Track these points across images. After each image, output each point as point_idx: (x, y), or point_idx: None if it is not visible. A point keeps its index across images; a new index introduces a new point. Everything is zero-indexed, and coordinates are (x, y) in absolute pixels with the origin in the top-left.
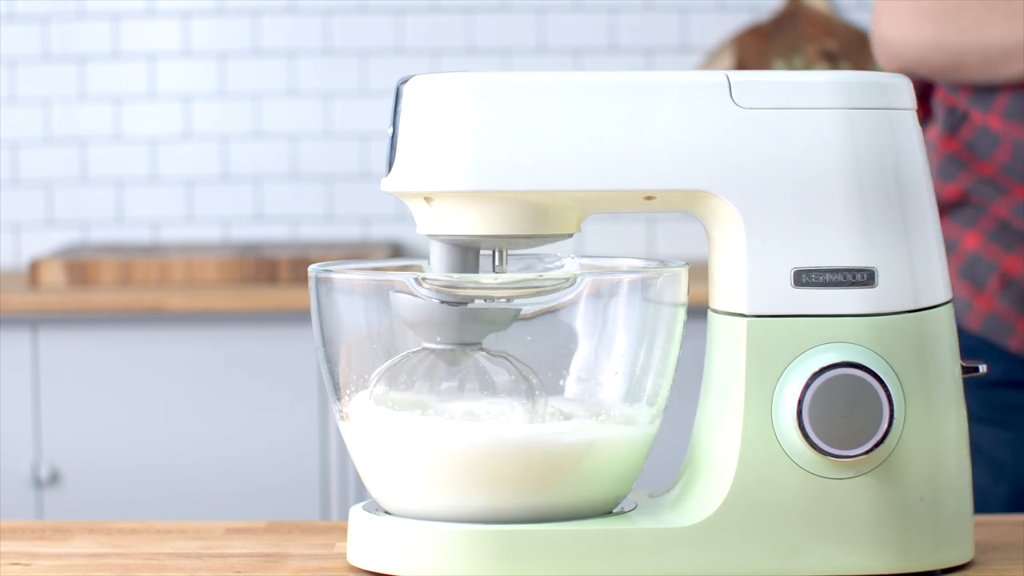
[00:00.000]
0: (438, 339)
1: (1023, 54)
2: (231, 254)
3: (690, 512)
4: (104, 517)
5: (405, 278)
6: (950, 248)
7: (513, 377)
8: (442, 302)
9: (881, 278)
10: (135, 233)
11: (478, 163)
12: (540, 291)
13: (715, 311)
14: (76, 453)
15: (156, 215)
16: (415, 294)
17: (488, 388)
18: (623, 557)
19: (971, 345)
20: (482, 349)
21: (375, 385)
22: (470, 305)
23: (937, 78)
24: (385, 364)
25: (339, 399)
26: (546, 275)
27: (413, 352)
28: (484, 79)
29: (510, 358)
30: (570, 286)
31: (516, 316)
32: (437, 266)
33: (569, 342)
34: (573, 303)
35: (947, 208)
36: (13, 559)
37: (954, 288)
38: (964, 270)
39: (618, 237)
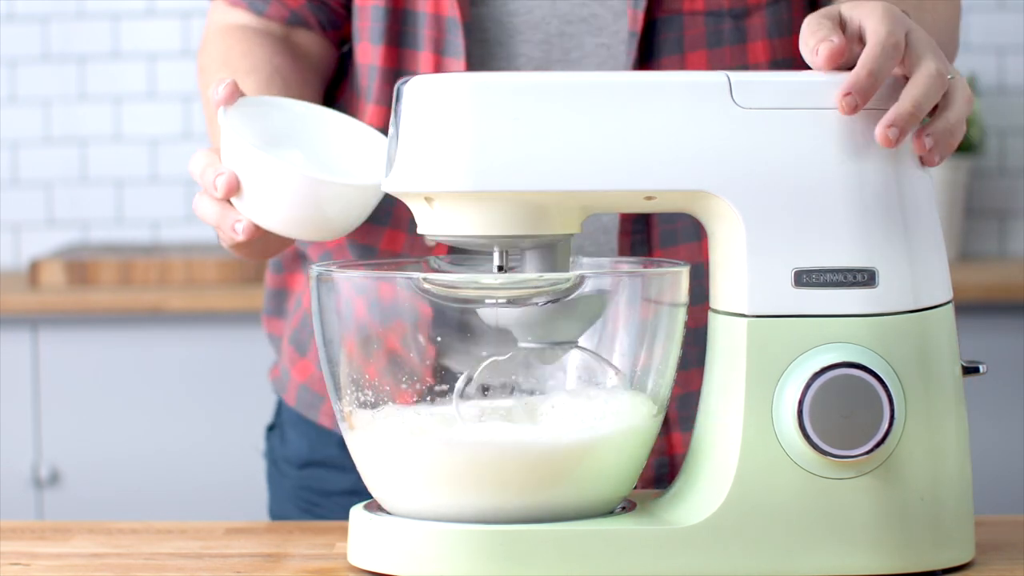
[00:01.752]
0: (530, 338)
1: None
2: (231, 254)
3: (690, 512)
4: (104, 517)
5: (409, 278)
6: (298, 306)
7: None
8: (534, 303)
9: (881, 278)
10: (135, 233)
11: (478, 163)
12: (541, 291)
13: (715, 311)
14: (76, 453)
15: (156, 215)
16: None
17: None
18: (623, 557)
19: (290, 419)
20: (577, 346)
21: (462, 394)
22: (562, 300)
23: None
24: (474, 372)
25: (339, 399)
26: (546, 275)
27: (499, 355)
28: (484, 79)
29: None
30: (570, 286)
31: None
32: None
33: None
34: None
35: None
36: (13, 559)
37: (284, 357)
38: (293, 333)
39: None
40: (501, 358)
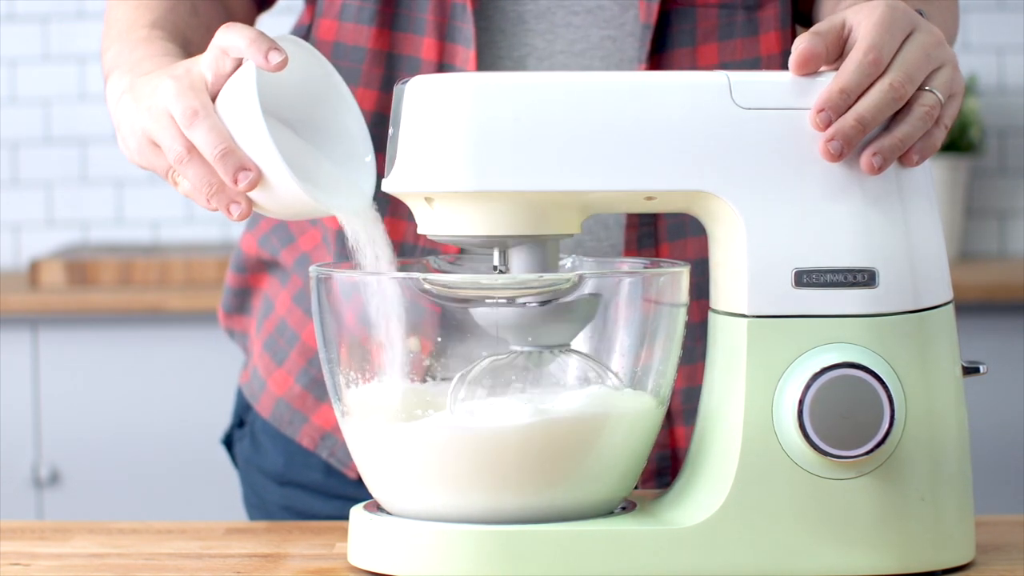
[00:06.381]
0: (528, 340)
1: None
2: (231, 254)
3: (690, 512)
4: (104, 517)
5: (409, 278)
6: (267, 311)
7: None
8: (527, 303)
9: (881, 278)
10: (135, 233)
11: (478, 163)
12: (541, 291)
13: (716, 311)
14: (76, 453)
15: (156, 215)
16: (495, 303)
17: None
18: (623, 557)
19: (264, 429)
20: (571, 350)
21: (459, 398)
22: (555, 302)
23: None
24: (471, 372)
25: (339, 399)
26: (546, 276)
27: (497, 357)
28: (484, 79)
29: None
30: (571, 286)
31: (597, 305)
32: (517, 268)
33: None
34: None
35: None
36: (13, 559)
37: (258, 364)
38: (269, 340)
39: None
40: (500, 359)
